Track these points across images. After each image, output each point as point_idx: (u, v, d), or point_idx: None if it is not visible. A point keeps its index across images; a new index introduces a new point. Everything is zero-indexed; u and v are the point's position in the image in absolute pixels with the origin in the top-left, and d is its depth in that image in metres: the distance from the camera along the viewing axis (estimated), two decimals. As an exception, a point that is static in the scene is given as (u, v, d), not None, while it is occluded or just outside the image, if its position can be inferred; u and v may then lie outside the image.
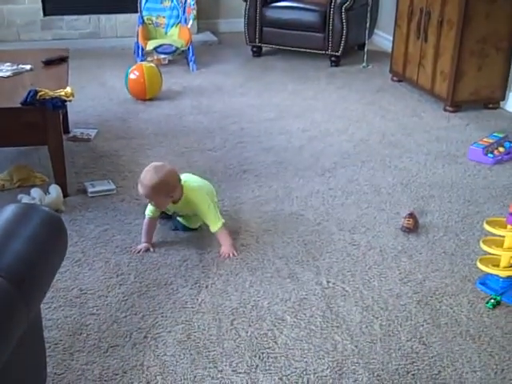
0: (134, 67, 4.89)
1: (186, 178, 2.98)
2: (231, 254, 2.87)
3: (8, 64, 3.72)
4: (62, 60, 3.91)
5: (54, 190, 3.24)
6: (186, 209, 2.93)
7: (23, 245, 1.64)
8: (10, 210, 1.76)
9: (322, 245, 2.98)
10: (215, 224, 2.89)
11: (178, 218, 3.06)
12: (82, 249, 2.90)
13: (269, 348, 2.30)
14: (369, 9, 5.78)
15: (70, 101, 3.29)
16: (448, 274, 2.75)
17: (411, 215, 3.12)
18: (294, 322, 2.44)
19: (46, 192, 3.24)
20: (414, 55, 5.01)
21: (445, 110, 4.72)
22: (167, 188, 2.78)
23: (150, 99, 4.85)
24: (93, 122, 4.44)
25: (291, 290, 2.64)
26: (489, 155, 3.83)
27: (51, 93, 3.20)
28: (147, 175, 2.77)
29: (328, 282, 2.70)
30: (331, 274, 2.75)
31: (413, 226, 3.06)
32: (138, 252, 2.88)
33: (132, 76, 4.83)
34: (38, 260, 1.67)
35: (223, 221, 2.91)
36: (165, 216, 3.08)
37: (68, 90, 3.29)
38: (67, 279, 2.68)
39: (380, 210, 3.30)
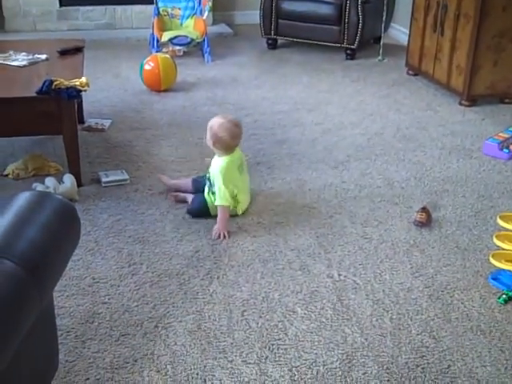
0: (148, 58, 4.90)
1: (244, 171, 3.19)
2: (221, 235, 2.95)
3: (24, 53, 3.74)
4: (78, 50, 3.93)
5: (68, 180, 3.26)
6: (212, 170, 3.09)
7: (37, 232, 1.65)
8: (23, 197, 1.78)
9: (334, 238, 2.98)
10: (220, 199, 3.00)
11: (206, 195, 3.12)
12: (95, 238, 2.92)
13: (279, 339, 2.31)
14: (385, 2, 5.75)
15: (85, 91, 3.30)
16: (460, 268, 2.74)
17: (424, 209, 3.11)
18: (305, 313, 2.45)
19: (60, 181, 3.26)
20: (430, 49, 4.98)
21: (460, 104, 4.69)
22: (215, 137, 3.02)
23: (165, 90, 4.86)
24: (107, 112, 4.45)
25: (302, 282, 2.64)
26: (504, 150, 3.81)
27: (66, 82, 3.21)
28: (218, 119, 3.07)
29: (339, 274, 2.70)
30: (343, 266, 2.75)
31: (425, 220, 3.05)
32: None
33: (147, 67, 4.84)
34: (51, 248, 1.69)
35: (229, 205, 3.02)
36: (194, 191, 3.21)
37: (83, 79, 3.30)
38: (80, 268, 2.70)
39: (393, 203, 3.29)
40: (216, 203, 3.02)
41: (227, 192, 3.00)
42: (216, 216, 3.03)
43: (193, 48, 5.86)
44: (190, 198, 3.21)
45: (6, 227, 1.63)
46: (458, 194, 3.40)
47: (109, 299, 2.51)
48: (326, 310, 2.47)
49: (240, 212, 3.14)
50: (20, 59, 3.65)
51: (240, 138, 3.11)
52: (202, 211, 3.11)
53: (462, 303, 2.51)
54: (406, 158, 3.82)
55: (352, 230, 3.04)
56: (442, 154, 3.88)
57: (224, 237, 2.95)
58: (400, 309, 2.47)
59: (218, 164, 3.06)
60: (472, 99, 4.66)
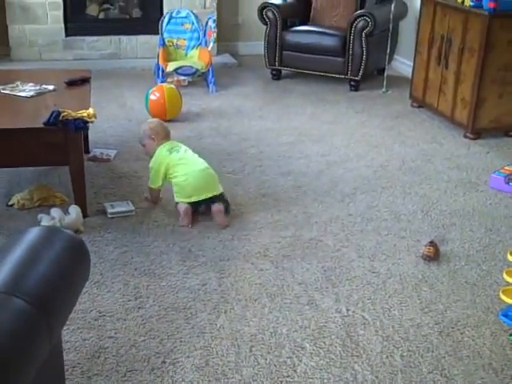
0: (154, 88, 4.92)
1: (184, 152, 3.57)
2: (153, 203, 3.55)
3: (31, 84, 3.75)
4: (85, 81, 3.94)
5: (74, 211, 3.24)
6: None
7: (46, 269, 1.63)
8: (33, 233, 1.76)
9: (342, 272, 2.95)
10: (150, 182, 3.52)
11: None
12: (100, 270, 2.90)
13: (288, 376, 2.28)
14: (389, 34, 5.79)
15: (92, 122, 3.30)
16: (470, 304, 2.71)
17: (432, 243, 3.09)
18: (314, 350, 2.42)
19: (66, 212, 3.24)
20: (435, 81, 5.00)
21: (465, 137, 4.69)
22: (151, 131, 3.62)
23: (170, 120, 4.85)
24: (112, 142, 4.46)
25: (310, 317, 2.62)
26: (510, 184, 3.80)
27: (74, 114, 3.21)
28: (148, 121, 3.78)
29: (348, 309, 2.67)
30: (351, 301, 2.73)
31: (434, 255, 3.03)
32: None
33: (152, 97, 4.86)
34: (62, 284, 1.66)
35: (154, 187, 3.50)
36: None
37: (90, 111, 3.30)
38: (86, 301, 2.67)
39: (400, 237, 3.27)
40: (148, 185, 3.54)
41: (155, 174, 3.46)
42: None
43: (197, 78, 5.90)
44: None
45: (16, 264, 1.61)
46: (465, 227, 3.38)
47: (115, 333, 2.48)
48: (335, 346, 2.44)
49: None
50: (27, 90, 3.66)
51: (165, 126, 3.72)
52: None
53: (473, 340, 2.48)
54: (413, 191, 3.81)
55: (359, 264, 3.02)
56: (448, 187, 3.87)
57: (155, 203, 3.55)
58: (410, 346, 2.44)
59: (151, 160, 3.55)
60: (477, 132, 4.66)
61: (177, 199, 3.41)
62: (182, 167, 3.43)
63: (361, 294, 2.78)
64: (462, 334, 2.52)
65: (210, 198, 3.37)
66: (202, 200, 3.37)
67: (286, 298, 2.74)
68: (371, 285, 2.85)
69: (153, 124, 3.69)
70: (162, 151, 3.52)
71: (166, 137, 3.62)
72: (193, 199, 3.37)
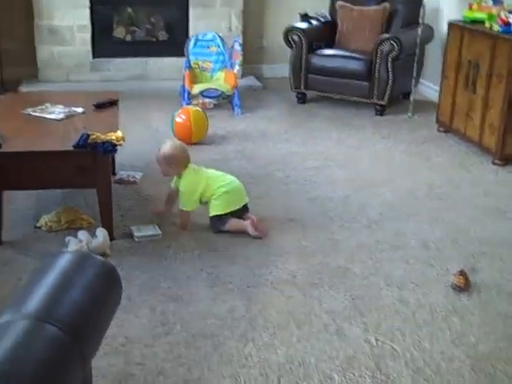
0: (180, 111, 4.94)
1: (209, 171, 3.60)
2: (181, 229, 3.52)
3: (61, 107, 3.78)
4: (113, 103, 3.97)
5: (101, 234, 3.25)
6: (179, 184, 3.55)
7: (79, 295, 1.62)
8: (65, 258, 1.76)
9: (370, 300, 2.92)
10: (182, 205, 3.51)
11: None
12: (128, 295, 2.88)
13: (317, 408, 2.24)
14: (415, 58, 5.77)
15: (120, 145, 3.31)
16: (502, 337, 2.66)
17: (462, 273, 3.04)
18: (342, 381, 2.38)
19: (93, 235, 3.25)
20: (462, 106, 4.97)
21: (493, 163, 4.65)
22: (170, 160, 3.50)
23: (196, 143, 4.87)
24: (139, 164, 4.47)
25: (339, 347, 2.58)
26: (540, 212, 3.75)
27: (102, 136, 3.22)
28: (158, 150, 3.55)
29: (377, 340, 2.63)
30: (380, 331, 2.69)
31: (464, 285, 2.99)
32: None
33: (178, 119, 4.88)
34: (94, 311, 1.65)
35: (190, 209, 3.51)
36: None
37: (119, 134, 3.32)
38: (113, 326, 2.63)
39: (429, 265, 3.23)
40: (179, 207, 3.55)
41: (187, 197, 3.48)
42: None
43: (222, 100, 5.91)
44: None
45: (48, 290, 1.61)
46: (495, 256, 3.33)
47: (142, 360, 2.46)
48: (364, 378, 2.40)
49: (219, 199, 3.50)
50: (57, 112, 3.69)
51: (186, 151, 3.57)
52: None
53: (507, 375, 2.42)
54: (440, 218, 3.77)
55: (388, 293, 2.98)
56: (476, 215, 3.83)
57: (183, 228, 3.52)
58: (442, 380, 2.39)
59: (181, 183, 3.51)
60: (505, 158, 4.61)
61: (215, 212, 3.47)
62: (220, 178, 3.57)
63: (390, 323, 2.74)
64: (494, 368, 2.46)
65: (244, 205, 3.59)
66: (237, 210, 3.53)
67: (313, 327, 2.71)
68: (400, 314, 2.81)
69: (176, 151, 3.53)
70: (191, 173, 3.53)
71: (187, 163, 3.56)
72: (232, 208, 3.50)
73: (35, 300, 1.55)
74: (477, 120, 4.79)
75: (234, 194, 3.55)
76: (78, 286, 1.66)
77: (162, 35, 6.79)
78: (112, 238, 3.33)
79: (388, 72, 5.66)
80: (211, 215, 3.49)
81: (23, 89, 6.04)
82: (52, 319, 1.49)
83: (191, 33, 6.38)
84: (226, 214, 3.48)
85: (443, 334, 2.67)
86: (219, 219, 3.48)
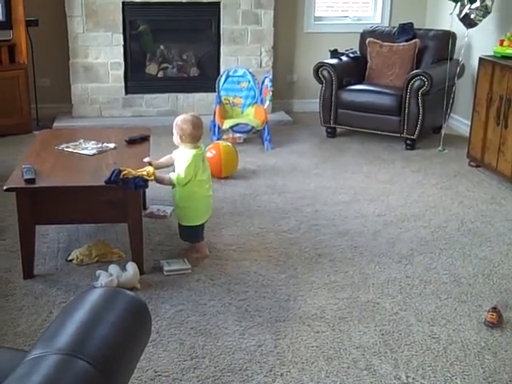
0: (210, 146, 4.99)
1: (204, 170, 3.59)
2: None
3: (93, 142, 3.84)
4: (144, 139, 4.03)
5: (131, 268, 3.27)
6: (177, 162, 3.56)
7: (109, 331, 1.63)
8: (96, 293, 1.78)
9: (400, 336, 2.88)
10: (175, 177, 3.47)
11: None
12: (156, 329, 2.89)
13: None
14: (445, 93, 5.77)
15: (151, 180, 3.35)
16: (536, 375, 2.61)
17: (495, 309, 3.00)
18: (373, 418, 2.35)
19: (123, 269, 3.28)
20: (494, 141, 4.93)
21: (526, 197, 4.60)
22: (181, 131, 3.51)
23: (226, 177, 4.91)
24: (168, 198, 4.46)
25: (369, 383, 2.55)
26: None
27: (134, 172, 3.27)
28: (181, 116, 3.61)
29: (407, 376, 2.60)
30: (410, 367, 2.65)
31: (497, 321, 2.94)
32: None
33: (209, 154, 4.91)
34: (124, 346, 1.66)
35: (174, 184, 3.50)
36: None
37: (150, 169, 3.36)
38: (142, 359, 2.66)
39: (461, 301, 3.19)
40: (170, 175, 3.50)
41: (184, 179, 3.45)
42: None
43: (252, 135, 5.96)
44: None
45: (79, 325, 1.62)
46: (528, 292, 3.28)
47: (171, 394, 2.46)
48: (395, 415, 2.36)
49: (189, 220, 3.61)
50: (89, 148, 3.75)
51: (202, 129, 3.57)
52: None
53: (541, 414, 2.37)
54: (472, 254, 3.72)
55: (419, 329, 2.94)
56: (509, 250, 3.77)
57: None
58: (474, 418, 2.35)
59: (185, 155, 3.49)
60: (538, 193, 4.57)
61: (187, 223, 3.60)
62: (203, 184, 3.59)
63: (421, 360, 2.71)
64: (528, 406, 2.41)
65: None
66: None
67: (343, 362, 2.68)
68: (431, 351, 2.77)
69: (193, 125, 3.51)
70: (197, 160, 3.52)
71: (198, 142, 3.57)
72: (202, 221, 3.63)
73: (66, 335, 1.57)
74: (508, 155, 4.74)
75: (207, 207, 3.67)
76: (108, 321, 1.68)
77: (194, 71, 6.89)
78: (142, 273, 3.35)
79: (418, 107, 5.65)
80: (185, 225, 3.62)
81: (57, 125, 6.17)
82: (82, 354, 1.50)
83: (222, 69, 6.46)
84: (199, 225, 3.62)
85: (475, 371, 2.62)
86: (195, 231, 3.62)
